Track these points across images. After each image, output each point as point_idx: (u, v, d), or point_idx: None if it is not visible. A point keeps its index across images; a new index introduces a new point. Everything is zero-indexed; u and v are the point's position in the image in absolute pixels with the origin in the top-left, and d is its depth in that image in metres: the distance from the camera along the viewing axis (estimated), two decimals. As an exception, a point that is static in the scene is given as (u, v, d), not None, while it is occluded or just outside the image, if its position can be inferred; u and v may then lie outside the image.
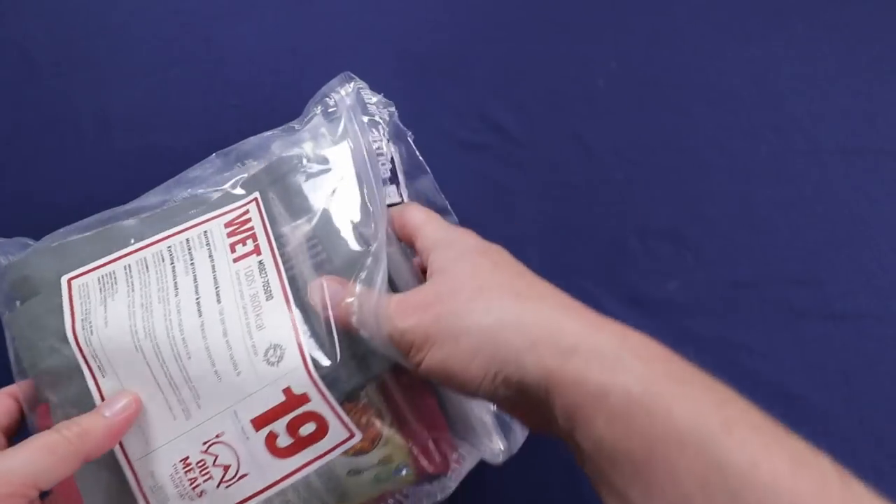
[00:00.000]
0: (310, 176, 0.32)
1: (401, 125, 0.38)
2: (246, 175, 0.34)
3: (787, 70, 0.45)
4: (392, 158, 0.36)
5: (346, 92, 0.35)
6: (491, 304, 0.25)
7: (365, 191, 0.30)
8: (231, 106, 0.48)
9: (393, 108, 0.38)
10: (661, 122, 0.45)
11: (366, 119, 0.35)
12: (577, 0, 0.49)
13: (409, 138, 0.37)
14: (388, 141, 0.37)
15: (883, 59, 0.45)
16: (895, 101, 0.44)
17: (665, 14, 0.48)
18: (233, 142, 0.47)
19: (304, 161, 0.33)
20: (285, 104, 0.48)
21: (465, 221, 0.35)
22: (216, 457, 0.28)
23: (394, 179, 0.36)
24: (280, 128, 0.37)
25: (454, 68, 0.48)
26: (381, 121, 0.36)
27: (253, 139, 0.36)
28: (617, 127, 0.45)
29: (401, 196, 0.36)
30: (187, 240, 0.31)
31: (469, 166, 0.45)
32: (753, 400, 0.39)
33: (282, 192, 0.32)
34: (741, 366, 0.39)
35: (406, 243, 0.31)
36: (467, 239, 0.30)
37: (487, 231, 0.32)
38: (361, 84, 0.36)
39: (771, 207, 0.42)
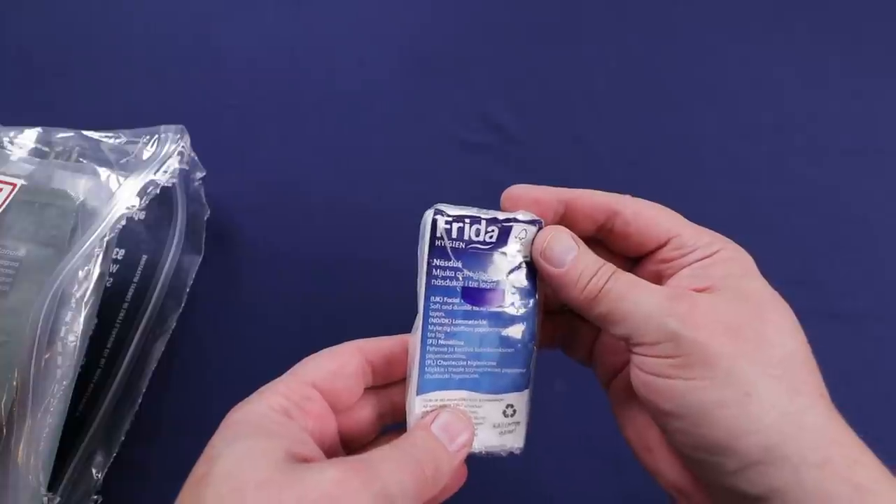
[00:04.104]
0: None
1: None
2: None
3: (787, 70, 0.45)
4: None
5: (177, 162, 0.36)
6: (801, 396, 0.22)
7: None
8: (231, 106, 0.48)
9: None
10: (661, 122, 0.45)
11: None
12: (577, 0, 0.49)
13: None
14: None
15: (883, 59, 0.45)
16: (895, 101, 0.44)
17: (665, 14, 0.48)
18: (233, 141, 0.47)
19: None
20: (285, 104, 0.48)
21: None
22: None
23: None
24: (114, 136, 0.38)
25: (454, 68, 0.48)
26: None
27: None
28: (617, 127, 0.45)
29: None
30: None
31: (469, 166, 0.45)
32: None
33: None
34: (741, 366, 0.39)
35: (635, 243, 0.26)
36: (750, 260, 0.25)
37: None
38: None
39: (771, 207, 0.42)
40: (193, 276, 0.43)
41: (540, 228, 0.25)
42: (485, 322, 0.24)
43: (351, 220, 0.44)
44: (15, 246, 0.34)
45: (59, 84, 0.51)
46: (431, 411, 0.24)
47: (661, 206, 0.26)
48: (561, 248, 0.24)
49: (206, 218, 0.43)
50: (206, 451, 0.22)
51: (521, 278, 0.25)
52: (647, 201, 0.26)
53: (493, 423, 0.25)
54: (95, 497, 0.37)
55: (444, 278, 0.24)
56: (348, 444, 0.26)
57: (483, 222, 0.24)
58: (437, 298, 0.24)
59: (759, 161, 0.43)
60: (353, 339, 0.41)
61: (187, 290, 0.43)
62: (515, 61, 0.48)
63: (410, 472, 0.21)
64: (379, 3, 0.51)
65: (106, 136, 0.38)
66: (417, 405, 0.24)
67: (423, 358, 0.24)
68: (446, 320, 0.24)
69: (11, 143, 0.38)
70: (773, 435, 0.20)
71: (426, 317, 0.24)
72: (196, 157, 0.39)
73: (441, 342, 0.24)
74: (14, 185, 0.36)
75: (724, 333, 0.21)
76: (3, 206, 0.35)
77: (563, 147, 0.45)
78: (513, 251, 0.25)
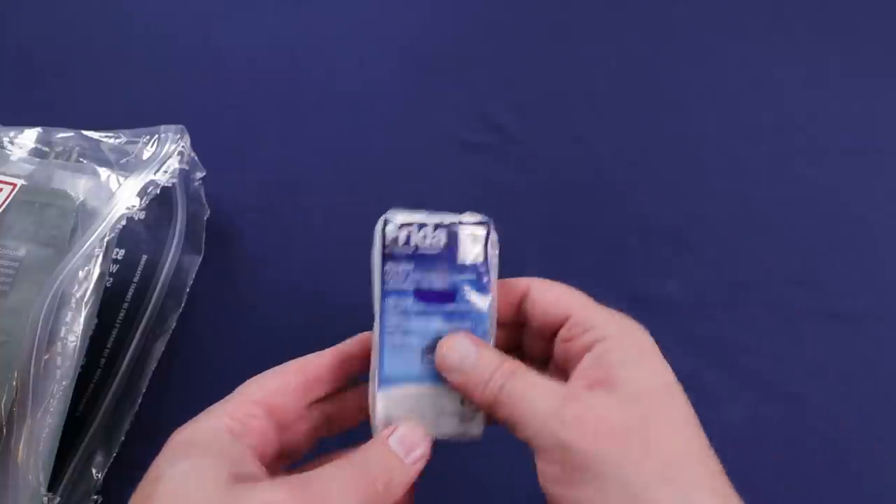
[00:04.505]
0: None
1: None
2: None
3: (787, 70, 0.45)
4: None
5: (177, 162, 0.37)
6: (694, 495, 0.20)
7: None
8: (231, 106, 0.48)
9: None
10: (661, 122, 0.45)
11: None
12: (577, 0, 0.49)
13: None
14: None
15: (883, 59, 0.45)
16: (895, 101, 0.44)
17: (665, 14, 0.48)
18: (233, 141, 0.47)
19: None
20: (285, 104, 0.48)
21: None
22: None
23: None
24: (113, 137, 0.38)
25: (454, 68, 0.48)
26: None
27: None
28: (617, 127, 0.45)
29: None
30: None
31: (469, 166, 0.45)
32: (754, 400, 0.39)
33: None
34: (741, 366, 0.39)
35: (539, 324, 0.26)
36: (646, 337, 0.24)
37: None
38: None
39: (771, 207, 0.42)
40: (193, 276, 0.43)
41: (489, 229, 0.26)
42: (439, 319, 0.25)
43: (351, 220, 0.44)
44: (15, 246, 0.34)
45: (59, 84, 0.51)
46: (389, 427, 0.25)
47: (566, 286, 0.26)
48: (456, 357, 0.24)
49: (206, 218, 0.43)
50: (149, 472, 0.22)
51: (472, 279, 0.26)
52: (555, 283, 0.26)
53: (453, 413, 0.25)
54: (95, 497, 0.37)
55: (396, 282, 0.26)
56: (287, 457, 0.27)
57: (430, 227, 0.25)
58: (391, 301, 0.25)
59: (759, 161, 0.43)
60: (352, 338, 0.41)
61: (187, 290, 0.43)
62: (515, 61, 0.48)
63: (358, 488, 0.21)
64: (379, 3, 0.51)
65: (106, 136, 0.38)
66: (380, 400, 0.25)
67: (381, 356, 0.25)
68: (402, 319, 0.25)
69: (11, 143, 0.38)
70: None
71: (382, 318, 0.25)
72: (196, 157, 0.39)
73: (397, 341, 0.25)
74: (14, 185, 0.36)
75: (612, 438, 0.21)
76: (3, 206, 0.35)
77: (563, 147, 0.45)
78: (464, 253, 0.26)
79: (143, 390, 0.41)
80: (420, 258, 0.25)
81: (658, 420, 0.22)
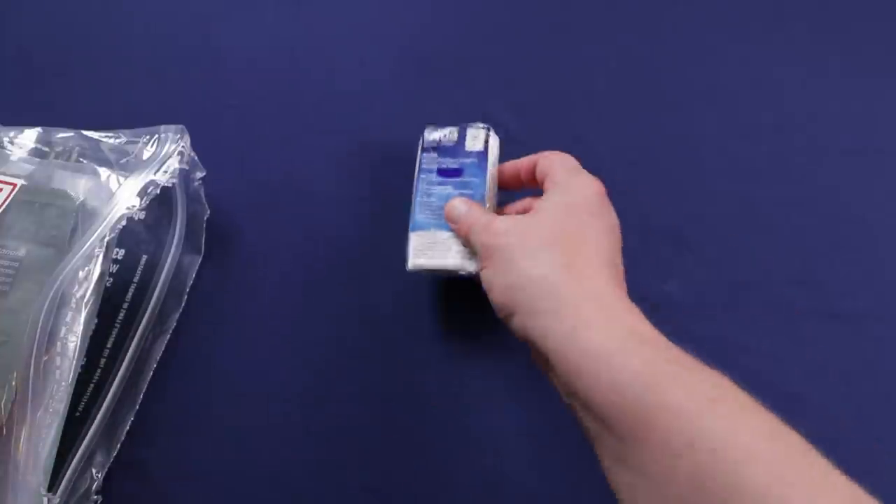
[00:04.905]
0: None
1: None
2: None
3: (788, 70, 0.45)
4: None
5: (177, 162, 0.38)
6: (538, 261, 0.29)
7: None
8: (231, 106, 0.48)
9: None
10: (661, 122, 0.45)
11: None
12: (577, 0, 0.49)
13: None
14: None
15: (883, 59, 0.45)
16: (895, 101, 0.44)
17: (665, 14, 0.48)
18: (233, 141, 0.47)
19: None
20: (285, 104, 0.48)
21: (465, 221, 0.35)
22: None
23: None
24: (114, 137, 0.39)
25: (454, 69, 0.48)
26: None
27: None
28: (617, 127, 0.45)
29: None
30: None
31: (469, 166, 0.45)
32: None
33: None
34: (741, 366, 0.38)
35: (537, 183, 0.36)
36: (585, 190, 0.33)
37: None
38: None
39: (771, 207, 0.42)
40: (193, 276, 0.43)
41: (488, 132, 0.38)
42: (450, 187, 0.37)
43: (351, 219, 0.44)
44: (15, 246, 0.34)
45: (59, 84, 0.51)
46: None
47: (561, 155, 0.35)
48: (454, 213, 0.35)
49: (206, 218, 0.43)
50: None
51: (474, 161, 0.38)
52: (556, 154, 0.36)
53: (457, 252, 0.36)
54: (95, 497, 0.37)
55: (427, 164, 0.39)
56: None
57: (449, 129, 0.39)
58: (423, 176, 0.38)
59: (759, 161, 0.43)
60: (352, 338, 0.41)
61: (187, 290, 0.43)
62: (515, 61, 0.48)
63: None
64: (379, 3, 0.51)
65: (106, 136, 0.38)
66: (412, 239, 0.37)
67: (414, 210, 0.37)
68: (428, 187, 0.38)
69: (11, 143, 0.38)
70: (536, 291, 0.29)
71: (417, 186, 0.38)
72: (196, 157, 0.39)
73: (425, 200, 0.37)
74: (14, 185, 0.36)
75: (512, 235, 0.31)
76: (4, 206, 0.35)
77: (563, 147, 0.45)
78: (469, 146, 0.38)
79: (143, 390, 0.41)
80: (442, 149, 0.39)
81: (543, 222, 0.31)
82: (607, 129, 0.45)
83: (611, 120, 0.45)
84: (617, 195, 0.44)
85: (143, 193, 0.35)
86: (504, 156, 0.42)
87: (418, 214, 0.37)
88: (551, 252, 0.29)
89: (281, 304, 0.42)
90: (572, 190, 0.33)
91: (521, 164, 0.37)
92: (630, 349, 0.26)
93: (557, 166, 0.34)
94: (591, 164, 0.45)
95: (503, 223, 0.32)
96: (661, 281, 0.40)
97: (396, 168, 0.45)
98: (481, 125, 0.39)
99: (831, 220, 0.41)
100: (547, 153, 0.36)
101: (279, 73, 0.49)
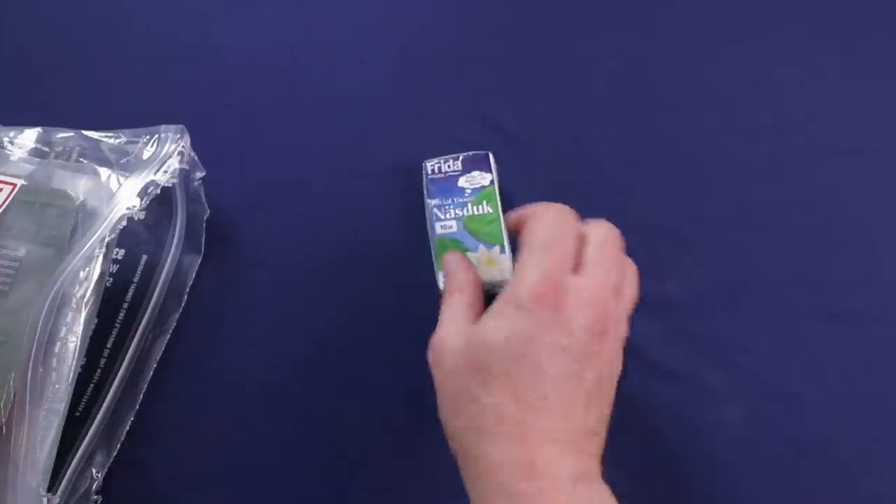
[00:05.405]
0: None
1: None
2: None
3: (787, 70, 0.45)
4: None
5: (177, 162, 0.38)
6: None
7: None
8: (231, 106, 0.48)
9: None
10: (661, 122, 0.45)
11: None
12: (577, 0, 0.49)
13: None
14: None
15: (883, 59, 0.45)
16: (895, 101, 0.44)
17: (665, 14, 0.48)
18: (233, 141, 0.47)
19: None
20: (285, 104, 0.48)
21: (465, 221, 0.35)
22: None
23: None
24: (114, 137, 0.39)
25: (454, 68, 0.48)
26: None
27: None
28: (617, 127, 0.45)
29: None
30: None
31: (469, 166, 0.45)
32: (753, 400, 0.39)
33: None
34: (741, 366, 0.39)
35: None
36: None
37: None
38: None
39: (770, 207, 0.42)
40: (193, 276, 0.43)
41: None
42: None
43: (351, 219, 0.44)
44: (15, 246, 0.34)
45: (59, 84, 0.51)
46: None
47: (553, 213, 0.32)
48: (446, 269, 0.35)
49: (206, 218, 0.43)
50: None
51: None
52: (545, 209, 0.32)
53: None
54: (95, 497, 0.38)
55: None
56: None
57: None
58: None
59: (758, 161, 0.43)
60: (351, 338, 0.41)
61: (187, 290, 0.43)
62: (515, 61, 0.48)
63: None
64: (379, 3, 0.51)
65: (106, 136, 0.38)
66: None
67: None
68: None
69: (11, 143, 0.38)
70: None
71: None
72: (196, 157, 0.39)
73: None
74: (14, 185, 0.36)
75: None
76: (4, 206, 0.35)
77: (563, 147, 0.45)
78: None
79: (143, 390, 0.41)
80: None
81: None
82: (607, 129, 0.45)
83: (611, 120, 0.45)
84: (617, 195, 0.44)
85: (143, 193, 0.35)
86: (504, 156, 0.42)
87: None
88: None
89: (281, 304, 0.42)
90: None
91: (509, 218, 0.35)
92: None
93: (527, 240, 0.31)
94: (591, 164, 0.45)
95: (452, 339, 0.32)
96: (660, 281, 0.40)
97: (396, 168, 0.45)
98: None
99: (830, 220, 0.41)
100: (533, 213, 0.33)
101: (279, 72, 0.49)
